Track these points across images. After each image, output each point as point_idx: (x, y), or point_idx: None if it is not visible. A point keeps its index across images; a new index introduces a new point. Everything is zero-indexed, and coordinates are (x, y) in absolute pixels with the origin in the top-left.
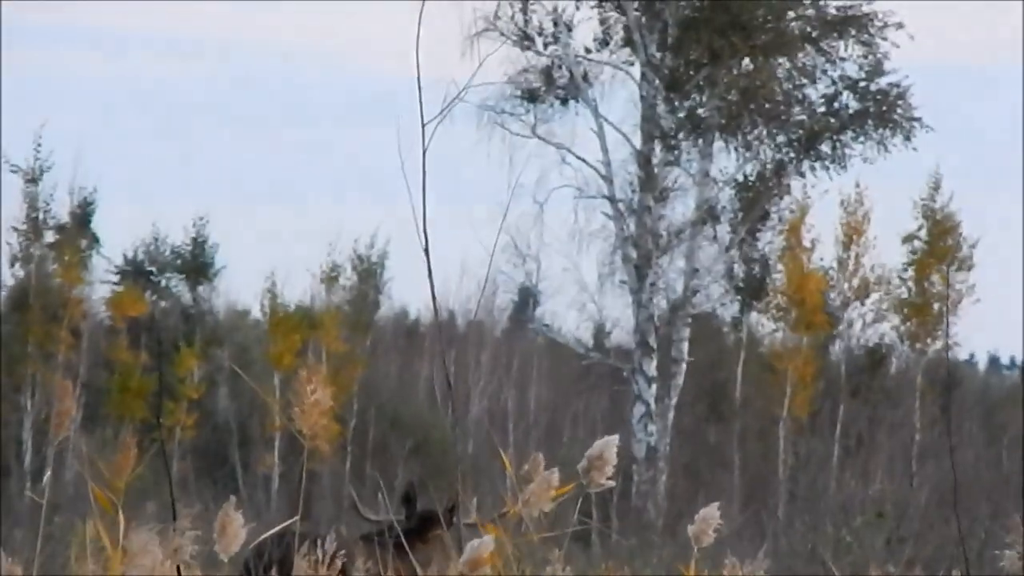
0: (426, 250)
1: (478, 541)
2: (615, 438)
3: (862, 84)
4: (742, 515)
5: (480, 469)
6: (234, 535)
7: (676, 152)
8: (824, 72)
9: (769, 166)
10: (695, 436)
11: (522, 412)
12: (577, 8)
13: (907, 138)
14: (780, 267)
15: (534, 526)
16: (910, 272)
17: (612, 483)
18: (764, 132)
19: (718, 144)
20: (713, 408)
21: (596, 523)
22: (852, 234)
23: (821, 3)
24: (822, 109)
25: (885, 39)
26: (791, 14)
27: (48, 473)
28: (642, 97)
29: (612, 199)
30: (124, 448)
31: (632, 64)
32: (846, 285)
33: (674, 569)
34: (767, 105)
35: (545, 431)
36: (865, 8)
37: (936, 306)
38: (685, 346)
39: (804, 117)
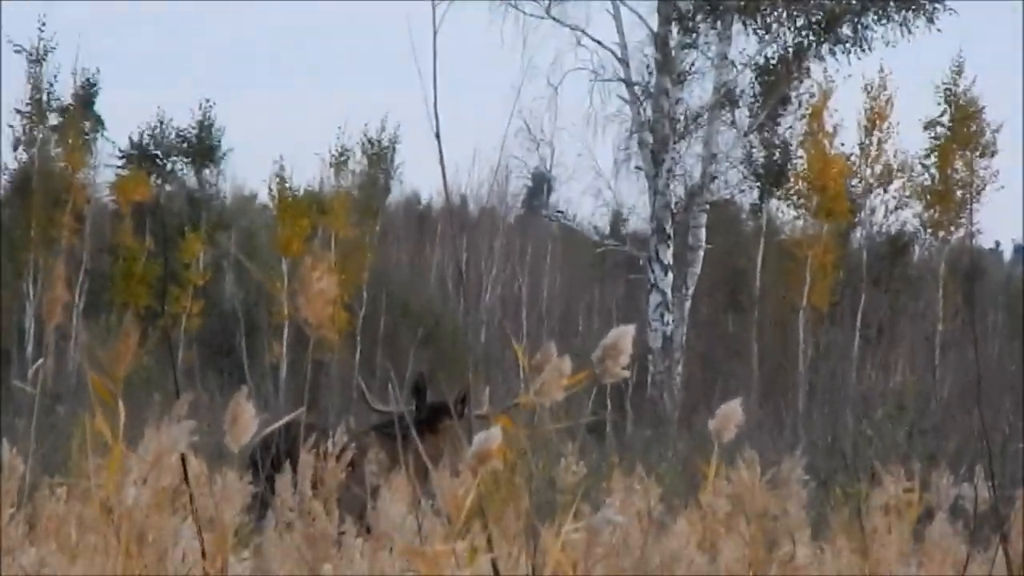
0: (437, 134)
1: (486, 433)
2: (631, 328)
3: None
4: (760, 408)
5: (492, 359)
6: (245, 426)
7: (694, 34)
8: None
9: (789, 49)
10: (712, 326)
11: (535, 301)
12: None
13: (930, 20)
14: (801, 153)
15: (547, 418)
16: (933, 158)
17: (627, 374)
18: (784, 14)
19: (737, 26)
20: (731, 297)
21: (610, 415)
22: (875, 119)
23: None
24: None
25: None
26: None
27: (40, 361)
28: None
29: (628, 82)
30: (124, 335)
31: None
32: (868, 171)
33: (690, 463)
34: None
35: (559, 320)
36: None
37: (959, 193)
38: (703, 233)
39: None
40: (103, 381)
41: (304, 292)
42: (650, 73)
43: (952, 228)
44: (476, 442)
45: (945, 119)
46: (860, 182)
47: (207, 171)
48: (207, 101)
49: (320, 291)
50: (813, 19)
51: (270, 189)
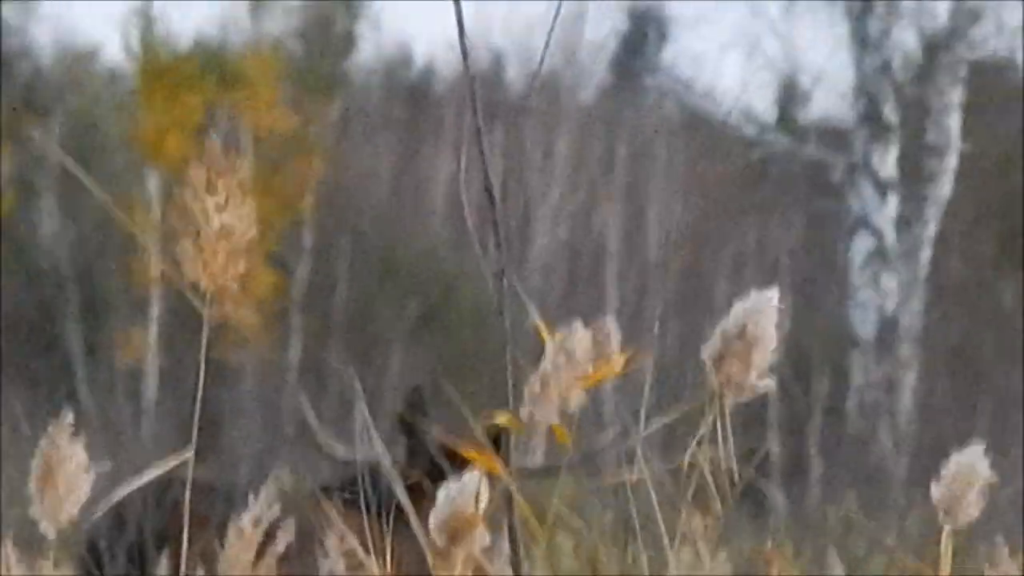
0: None
1: (460, 483)
2: (773, 295)
3: None
4: None
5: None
6: (71, 490)
7: None
8: None
9: None
10: (973, 298)
11: (634, 248)
12: None
13: None
14: None
15: (631, 463)
16: None
17: (772, 386)
18: None
19: None
20: (1008, 245)
21: (776, 467)
22: None
23: None
24: None
25: None
26: None
27: None
28: None
29: None
30: None
31: None
32: None
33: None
34: None
35: (680, 285)
36: None
37: None
38: (955, 123)
39: None
40: None
41: (193, 234)
42: None
43: None
44: (440, 501)
45: None
46: None
47: (7, 6)
48: None
49: (225, 230)
50: None
51: (126, 40)
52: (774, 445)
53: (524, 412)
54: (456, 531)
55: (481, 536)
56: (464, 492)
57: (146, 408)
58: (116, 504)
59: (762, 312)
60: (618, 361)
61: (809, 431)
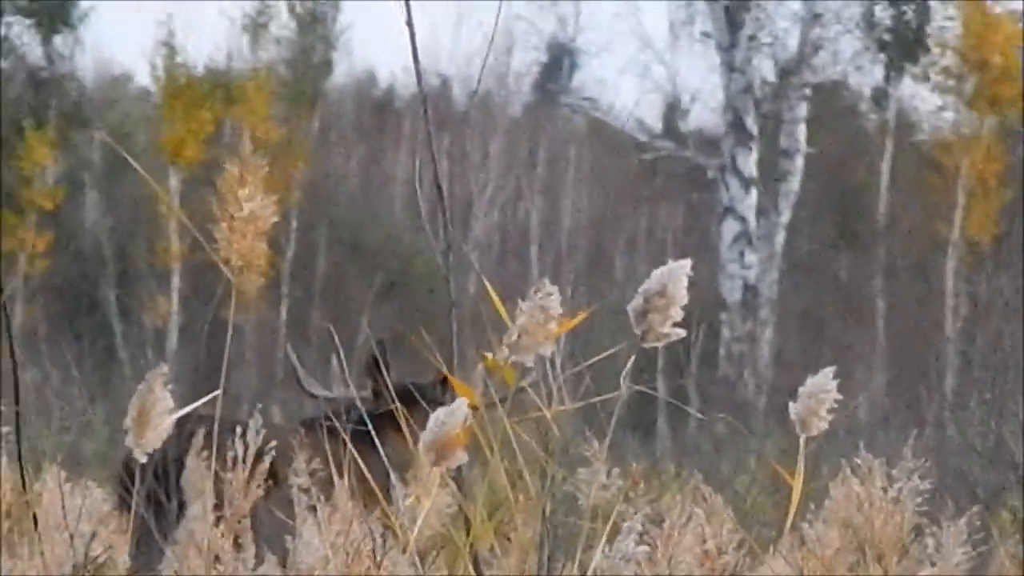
0: None
1: (446, 410)
2: (685, 263)
3: None
4: (888, 392)
5: (489, 320)
6: (157, 425)
7: None
8: None
9: None
10: (817, 270)
11: (550, 231)
12: None
13: None
14: (950, 12)
15: (558, 396)
16: None
17: (682, 334)
18: None
19: None
20: (844, 227)
21: (664, 401)
22: None
23: None
24: None
25: None
26: None
27: None
28: None
29: None
30: None
31: None
32: None
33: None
34: None
35: (587, 259)
36: None
37: None
38: (801, 132)
39: None
40: None
41: (228, 219)
42: None
43: None
44: (431, 425)
45: None
46: None
47: (59, 38)
48: None
49: (250, 219)
50: None
51: (152, 67)
52: (661, 386)
53: (501, 355)
54: (443, 449)
55: (460, 455)
56: (453, 416)
57: (168, 358)
58: None
59: (678, 277)
60: (576, 317)
61: (688, 375)
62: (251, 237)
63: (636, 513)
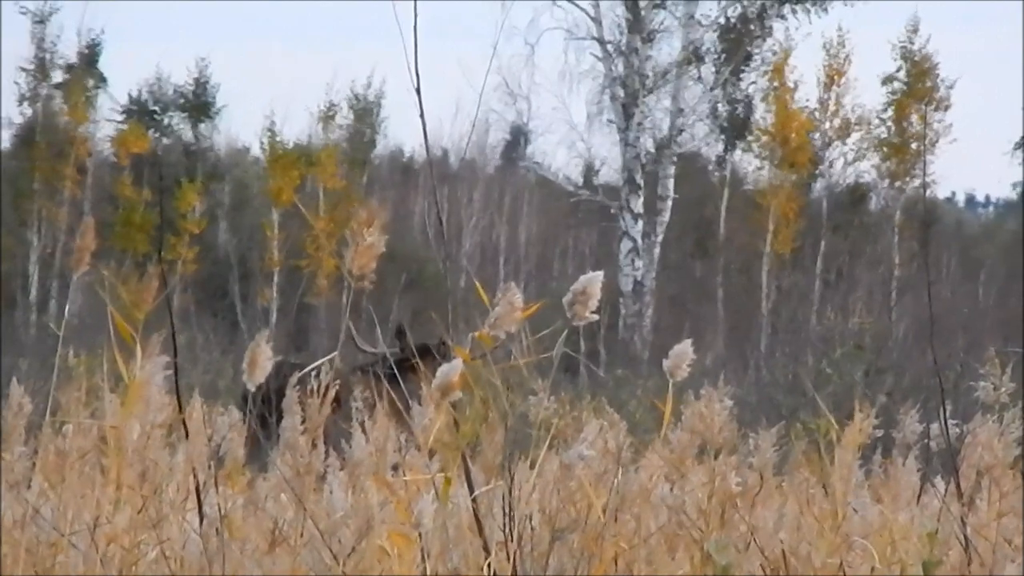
0: (418, 90)
1: (449, 365)
2: (599, 274)
3: None
4: (726, 347)
5: (472, 303)
6: (263, 367)
7: None
8: None
9: (752, 9)
10: (681, 271)
11: (513, 247)
12: None
13: None
14: (764, 107)
15: (519, 354)
16: (889, 112)
17: (596, 316)
18: None
19: None
20: (698, 244)
21: (584, 355)
22: (834, 75)
23: None
24: None
25: None
26: None
27: (67, 305)
28: None
29: (601, 40)
30: (148, 279)
31: None
32: (828, 125)
33: (659, 400)
34: None
35: (535, 266)
36: None
37: (914, 145)
38: (671, 183)
39: None
40: (124, 322)
41: (354, 245)
42: (621, 32)
43: (907, 178)
44: (439, 374)
45: (901, 75)
46: (820, 135)
47: (202, 125)
48: (203, 59)
49: (370, 245)
50: None
51: (261, 142)
52: (582, 346)
53: (486, 330)
54: (446, 389)
55: (457, 392)
56: (452, 368)
57: (270, 327)
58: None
59: (595, 281)
60: (531, 308)
61: (599, 338)
62: (368, 258)
63: (566, 426)
